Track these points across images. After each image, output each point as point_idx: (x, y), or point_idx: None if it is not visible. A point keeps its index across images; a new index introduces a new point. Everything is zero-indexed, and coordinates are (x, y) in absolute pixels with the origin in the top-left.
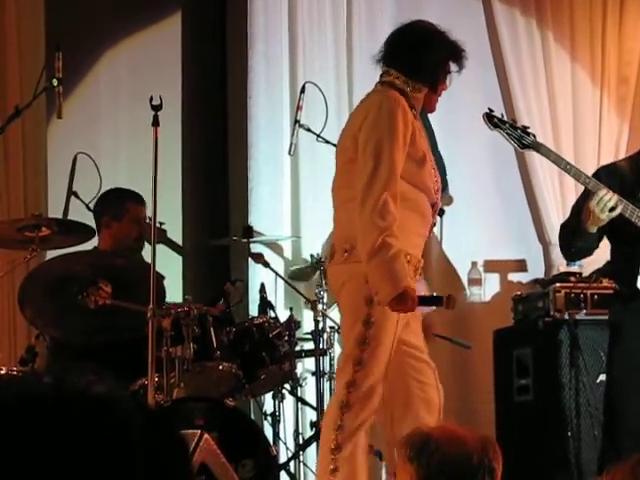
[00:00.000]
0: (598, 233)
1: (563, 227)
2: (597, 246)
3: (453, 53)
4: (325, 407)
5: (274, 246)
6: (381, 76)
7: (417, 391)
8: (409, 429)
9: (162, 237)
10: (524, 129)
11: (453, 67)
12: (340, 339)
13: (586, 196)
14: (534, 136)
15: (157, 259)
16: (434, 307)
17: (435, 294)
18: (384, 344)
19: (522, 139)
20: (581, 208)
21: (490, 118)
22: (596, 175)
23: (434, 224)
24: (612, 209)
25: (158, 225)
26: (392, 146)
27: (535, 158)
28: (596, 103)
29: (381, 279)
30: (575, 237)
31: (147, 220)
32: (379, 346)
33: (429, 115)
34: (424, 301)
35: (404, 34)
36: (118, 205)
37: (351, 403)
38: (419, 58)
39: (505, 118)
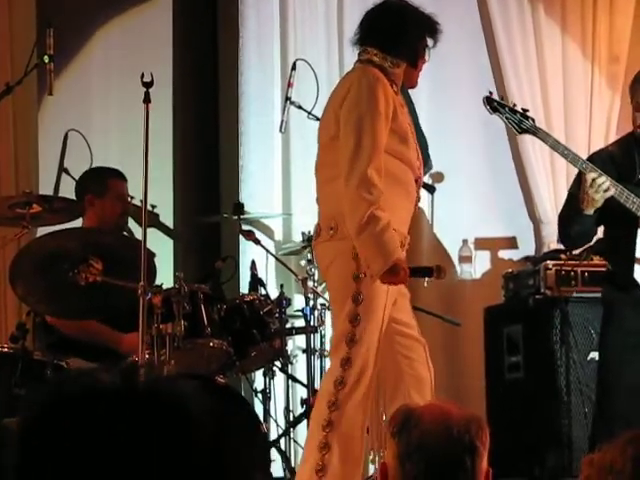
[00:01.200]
0: (595, 216)
1: (560, 217)
2: (595, 232)
3: (428, 27)
4: (317, 384)
5: (265, 223)
6: (359, 55)
7: (407, 368)
8: (399, 405)
9: (154, 221)
10: (523, 113)
11: (429, 42)
12: (331, 317)
13: (580, 182)
14: (533, 120)
15: (148, 237)
16: (425, 278)
17: (425, 266)
18: (375, 319)
19: (521, 123)
20: (575, 194)
21: (490, 102)
22: (590, 162)
23: (418, 199)
24: (606, 190)
25: (150, 209)
26: (374, 121)
27: (526, 136)
28: (587, 78)
29: (372, 253)
30: (572, 221)
31: (138, 202)
32: (370, 321)
33: (415, 91)
34: (415, 272)
35: (378, 12)
36: (99, 182)
37: (345, 380)
38: (396, 34)
39: (504, 102)
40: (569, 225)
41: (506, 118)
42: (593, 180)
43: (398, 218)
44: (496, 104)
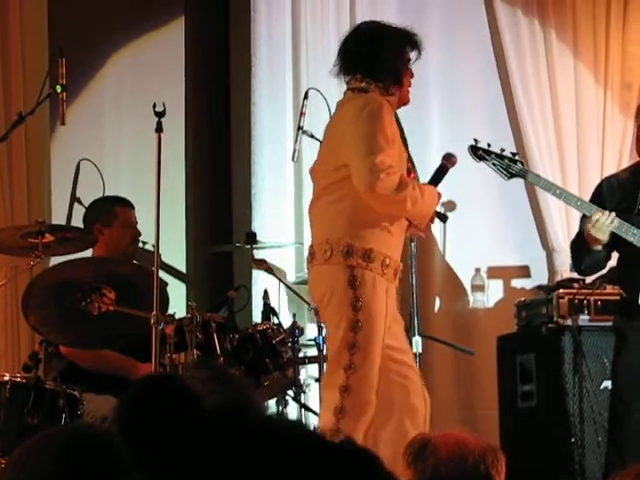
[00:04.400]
0: (605, 250)
1: (571, 244)
2: (609, 257)
3: (407, 40)
4: None
5: (277, 252)
6: (348, 83)
7: (401, 397)
8: (391, 435)
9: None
10: (512, 157)
11: (412, 54)
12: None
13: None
14: (522, 163)
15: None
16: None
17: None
18: (373, 349)
19: (509, 168)
20: (582, 231)
21: (475, 151)
22: (599, 187)
23: (409, 226)
24: (609, 225)
25: (151, 248)
26: (382, 145)
27: (538, 163)
28: (599, 105)
29: (424, 219)
30: (582, 257)
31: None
32: (368, 350)
33: (427, 118)
34: (437, 180)
35: (353, 39)
36: (107, 211)
37: (346, 409)
38: (376, 56)
39: (491, 148)
40: (580, 259)
41: (493, 164)
42: (596, 221)
43: (391, 245)
44: (481, 152)
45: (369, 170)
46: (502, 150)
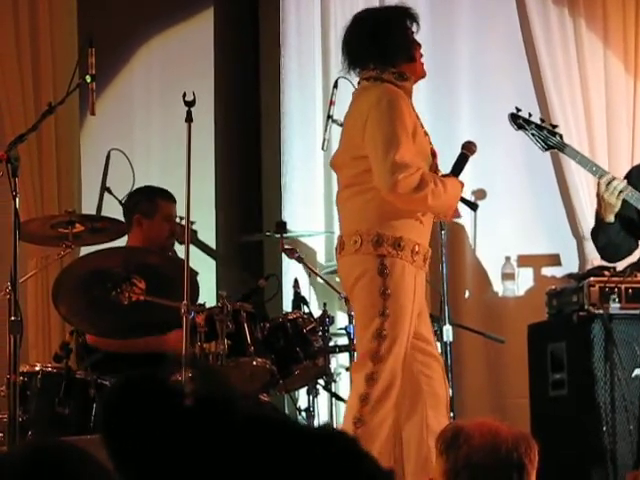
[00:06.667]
0: (618, 225)
1: (591, 233)
2: (630, 246)
3: (405, 16)
4: None
5: (307, 241)
6: (361, 75)
7: (425, 386)
8: (416, 424)
9: (192, 238)
10: (551, 129)
11: (414, 27)
12: (354, 331)
13: None
14: (561, 136)
15: (190, 255)
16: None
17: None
18: (400, 337)
19: (547, 140)
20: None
21: (515, 119)
22: (629, 174)
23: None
24: (621, 192)
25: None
26: (401, 138)
27: None
28: (630, 93)
29: (448, 212)
30: (597, 234)
31: (178, 220)
32: (397, 337)
33: (456, 105)
34: (459, 170)
35: (354, 33)
36: (149, 202)
37: (371, 397)
38: (381, 42)
39: (532, 118)
40: (596, 238)
41: (532, 134)
42: (608, 184)
43: (420, 232)
44: (521, 120)
45: (389, 171)
46: (542, 120)
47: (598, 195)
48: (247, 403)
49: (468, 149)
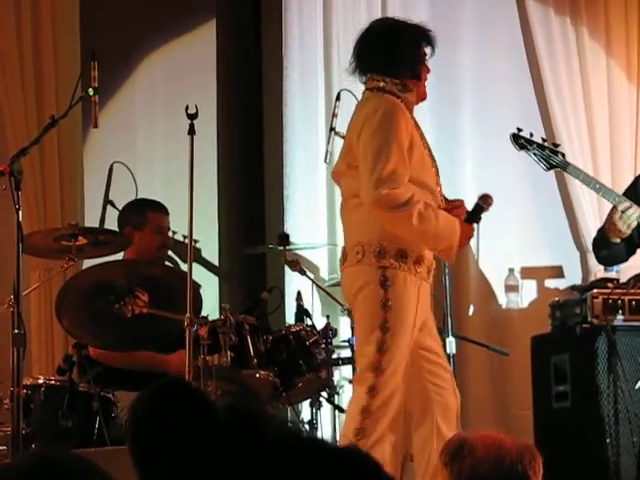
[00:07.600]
0: (623, 244)
1: (592, 240)
2: (626, 256)
3: (421, 36)
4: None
5: (310, 254)
6: (365, 83)
7: (435, 396)
8: (426, 434)
9: (196, 256)
10: (553, 148)
11: (427, 50)
12: (355, 343)
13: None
14: (563, 155)
15: (193, 268)
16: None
17: (471, 210)
18: (401, 349)
19: (550, 159)
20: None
21: (517, 139)
22: (634, 183)
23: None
24: (632, 222)
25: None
26: (391, 152)
27: (571, 160)
28: (633, 104)
29: (437, 243)
30: (600, 247)
31: (182, 238)
32: (396, 351)
33: (461, 116)
34: (471, 219)
35: (368, 37)
36: (138, 215)
37: (372, 408)
38: (393, 53)
39: (533, 138)
40: (597, 249)
41: (534, 154)
42: (623, 212)
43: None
44: (523, 141)
45: (373, 184)
46: (544, 140)
47: (610, 218)
48: (278, 421)
49: (484, 201)
